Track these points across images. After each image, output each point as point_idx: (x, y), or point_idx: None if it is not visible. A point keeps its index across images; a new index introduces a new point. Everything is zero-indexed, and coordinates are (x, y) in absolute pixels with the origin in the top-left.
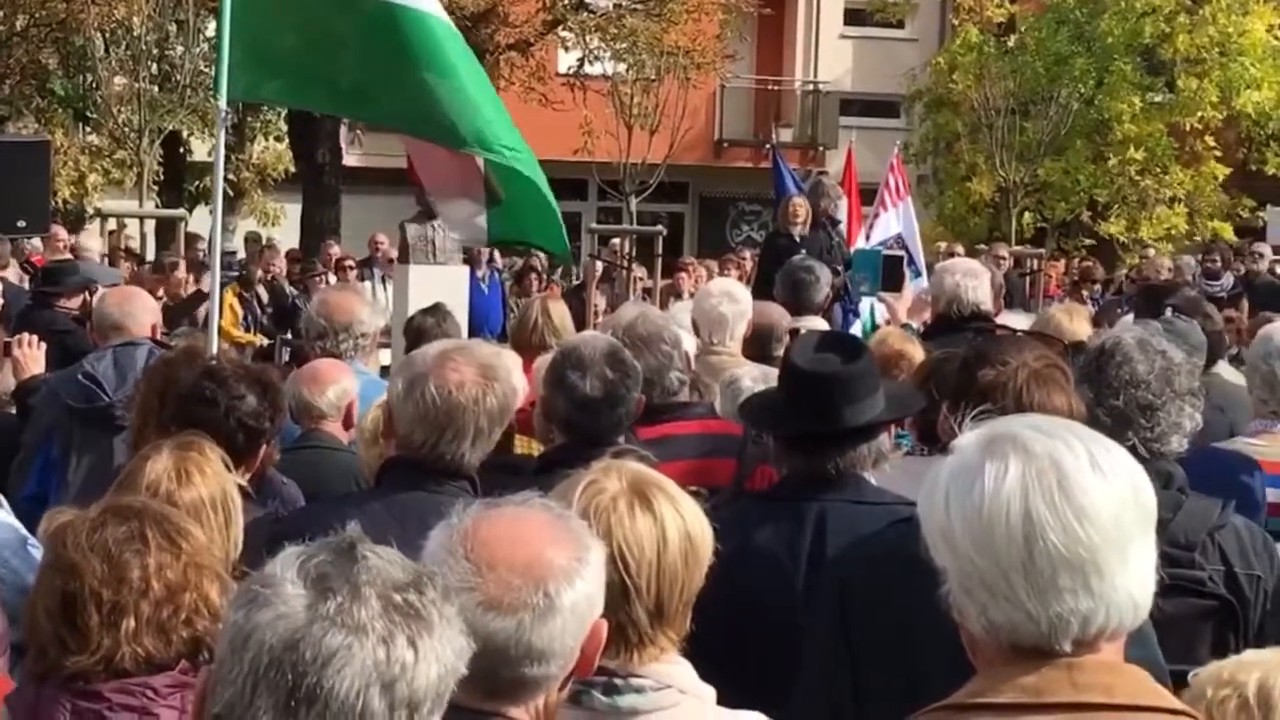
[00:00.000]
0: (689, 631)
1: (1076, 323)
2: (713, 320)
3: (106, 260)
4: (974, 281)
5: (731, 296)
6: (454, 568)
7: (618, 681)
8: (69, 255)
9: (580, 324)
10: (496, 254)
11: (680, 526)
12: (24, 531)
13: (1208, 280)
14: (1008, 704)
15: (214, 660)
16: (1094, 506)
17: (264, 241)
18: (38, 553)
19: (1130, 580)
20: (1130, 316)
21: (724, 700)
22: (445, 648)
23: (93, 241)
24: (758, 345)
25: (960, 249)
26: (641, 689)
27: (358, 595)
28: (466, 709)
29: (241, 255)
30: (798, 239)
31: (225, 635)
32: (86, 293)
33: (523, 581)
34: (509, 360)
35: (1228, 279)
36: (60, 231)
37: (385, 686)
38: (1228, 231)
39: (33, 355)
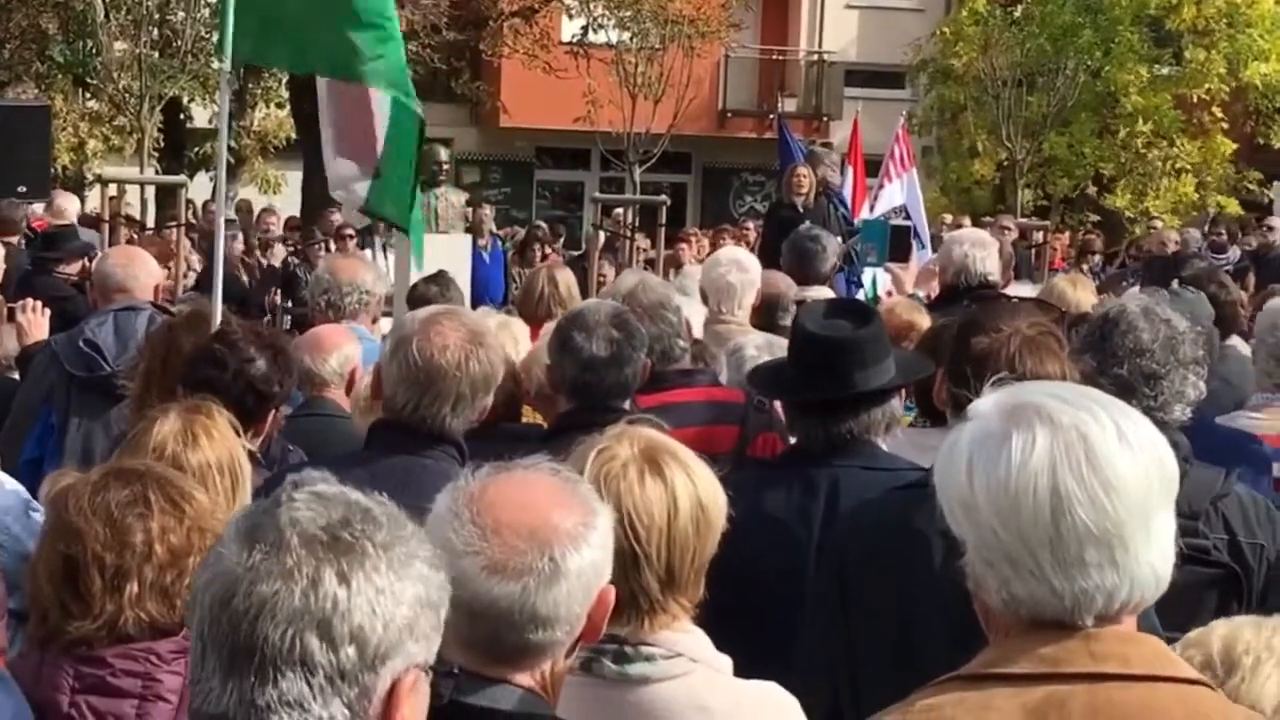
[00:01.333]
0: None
1: (1081, 292)
2: (721, 289)
3: (107, 227)
4: (983, 252)
5: (741, 265)
6: (459, 531)
7: (628, 650)
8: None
9: (583, 293)
10: (494, 223)
11: (692, 493)
12: (26, 495)
13: (1214, 254)
14: (1024, 674)
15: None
16: (1121, 480)
17: (255, 211)
18: (40, 517)
19: (1153, 552)
20: (1136, 289)
21: (735, 666)
22: (389, 578)
23: (71, 204)
24: (765, 314)
25: (967, 220)
26: (652, 657)
27: (281, 540)
28: (470, 674)
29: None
30: (801, 209)
31: (189, 605)
32: (86, 259)
33: (528, 546)
34: (517, 329)
35: (1234, 252)
36: (63, 199)
37: (320, 626)
38: (1233, 206)
39: (37, 321)
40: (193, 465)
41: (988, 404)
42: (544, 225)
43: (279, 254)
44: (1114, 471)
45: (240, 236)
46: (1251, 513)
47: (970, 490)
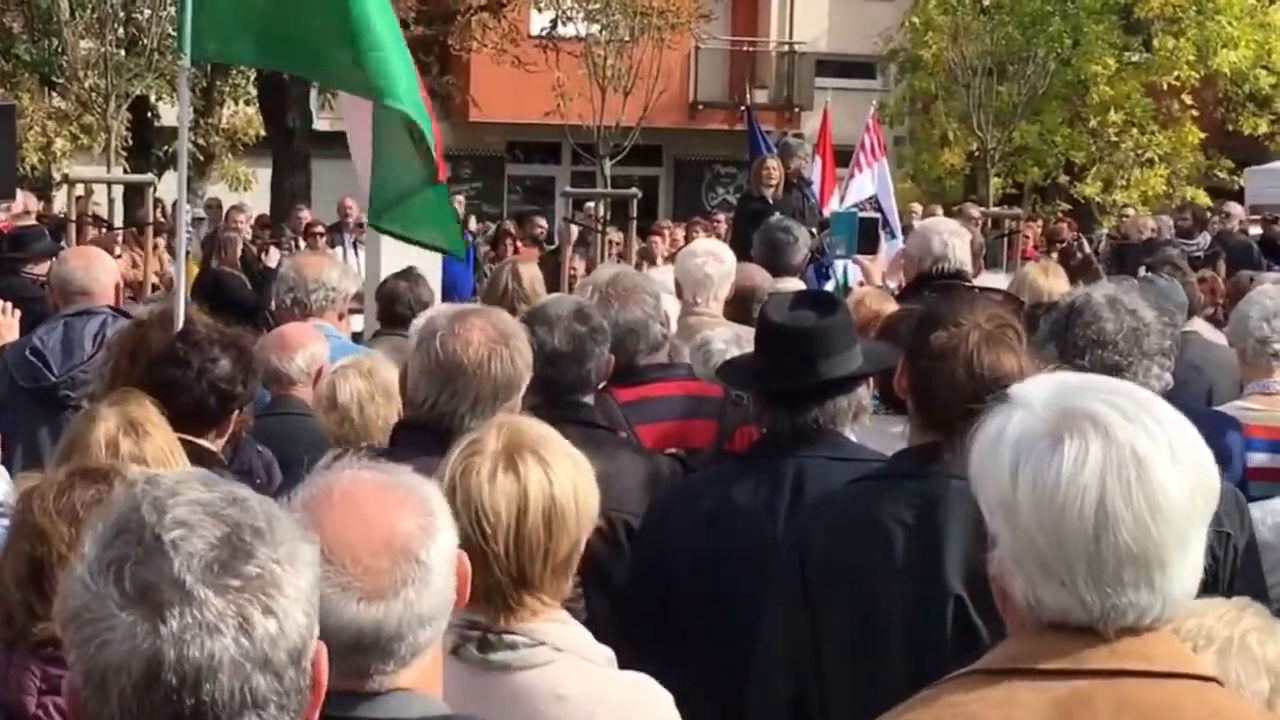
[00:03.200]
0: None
1: (1052, 280)
2: (697, 280)
3: (74, 227)
4: (959, 241)
5: (717, 257)
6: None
7: (491, 637)
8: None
9: (555, 288)
10: (473, 218)
11: (545, 491)
12: None
13: (1183, 239)
14: (1048, 669)
15: (73, 682)
16: (1169, 503)
17: (225, 208)
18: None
19: (1186, 571)
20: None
21: (696, 661)
22: (296, 583)
23: (30, 203)
24: (740, 307)
25: (939, 210)
26: (514, 645)
27: (190, 597)
28: (361, 693)
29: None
30: (771, 201)
31: (78, 673)
32: (54, 259)
33: (391, 561)
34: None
35: (1203, 238)
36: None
37: (263, 665)
38: (1202, 198)
39: (7, 322)
40: (150, 456)
41: (1037, 396)
42: (543, 223)
43: (274, 257)
44: (1164, 494)
45: (237, 240)
46: (1219, 500)
47: (1013, 491)
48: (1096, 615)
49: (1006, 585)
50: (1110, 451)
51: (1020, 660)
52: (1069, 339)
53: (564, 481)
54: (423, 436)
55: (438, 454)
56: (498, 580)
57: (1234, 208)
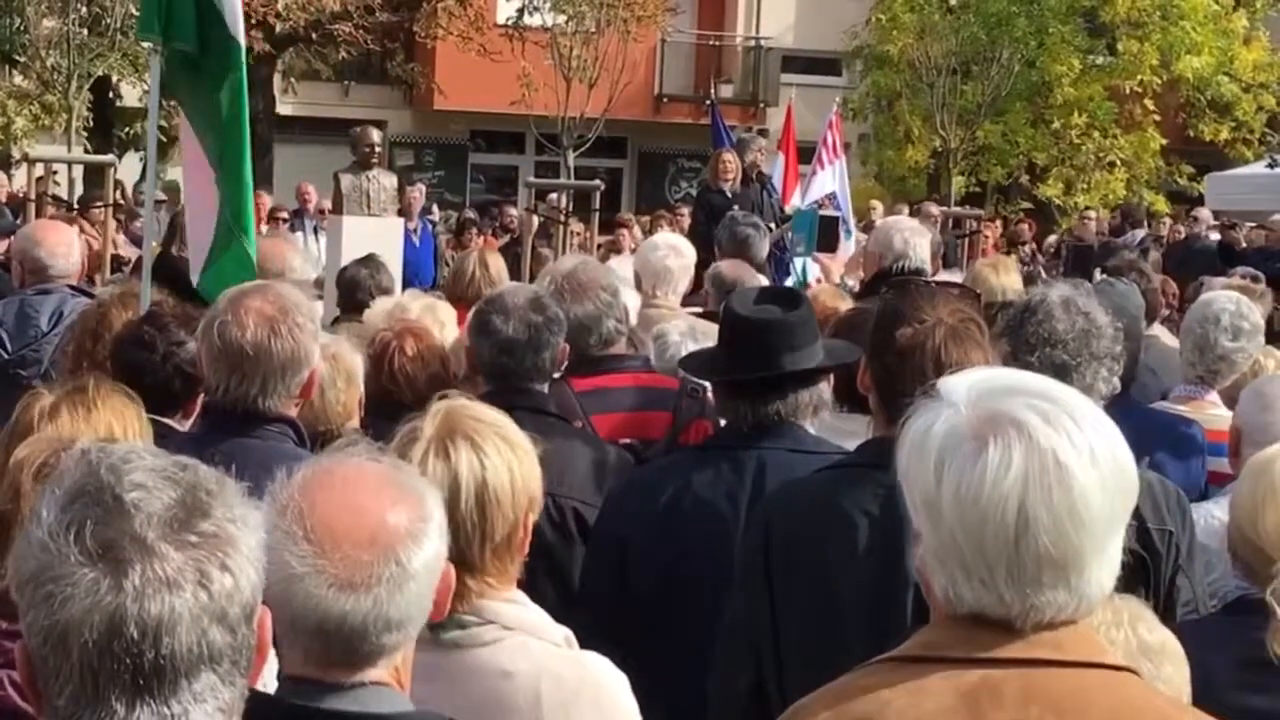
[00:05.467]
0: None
1: (1004, 276)
2: (657, 273)
3: (33, 206)
4: (920, 239)
5: (677, 250)
6: (295, 551)
7: None
8: None
9: (515, 278)
10: (435, 206)
11: (478, 475)
12: None
13: (1111, 237)
14: (959, 658)
15: (27, 646)
16: (1088, 508)
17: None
18: None
19: (1103, 570)
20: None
21: (657, 648)
22: (249, 542)
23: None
24: (721, 301)
25: (905, 208)
26: (464, 624)
27: (151, 552)
28: (326, 683)
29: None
30: (729, 194)
31: (35, 634)
32: (12, 237)
33: (372, 555)
34: (443, 312)
35: (1131, 236)
36: None
37: (219, 619)
38: (1161, 203)
39: None
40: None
41: (964, 395)
42: (513, 213)
43: None
44: (1083, 502)
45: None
46: (1162, 500)
47: (936, 491)
48: (1015, 613)
49: (928, 579)
50: (1032, 459)
51: (933, 649)
52: (1021, 336)
53: (496, 464)
54: (223, 418)
55: (240, 433)
56: None
57: (1202, 213)
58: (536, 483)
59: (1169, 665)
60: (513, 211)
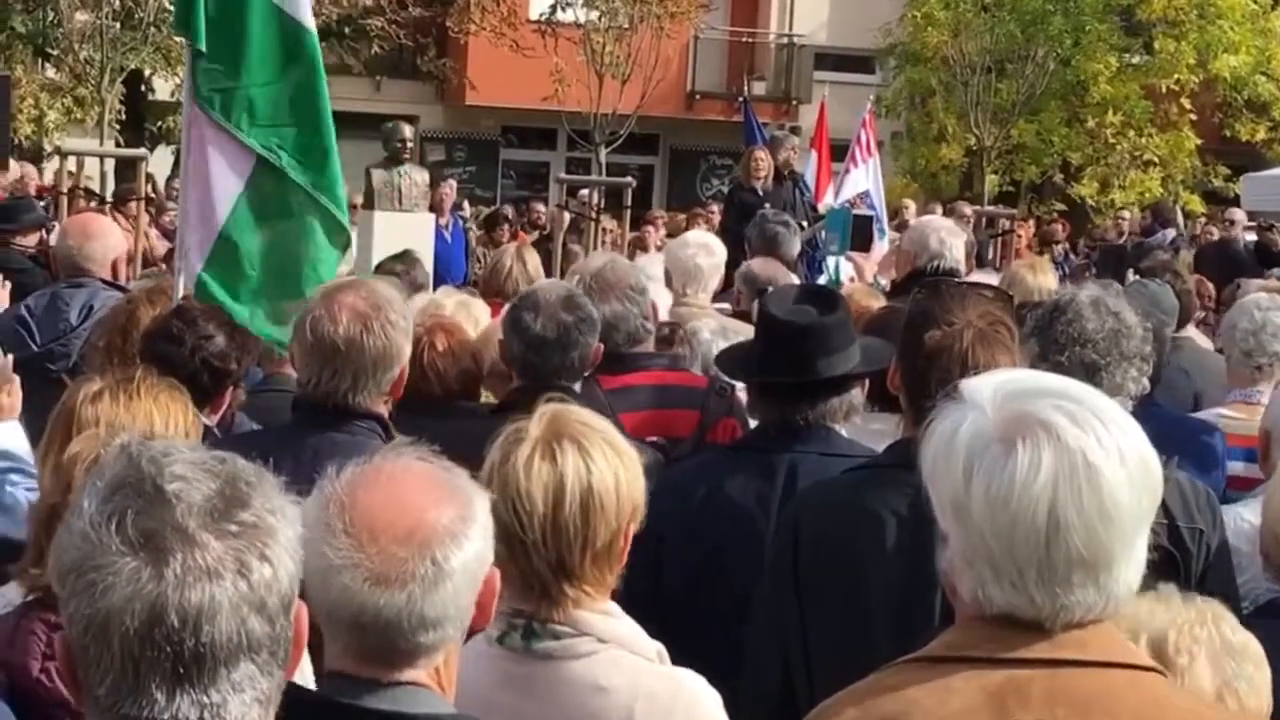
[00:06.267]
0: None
1: (1041, 277)
2: (687, 271)
3: (65, 199)
4: (956, 240)
5: (708, 249)
6: (333, 544)
7: (536, 626)
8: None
9: (547, 274)
10: (466, 203)
11: (583, 479)
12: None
13: (1144, 237)
14: (984, 658)
15: (68, 636)
16: (1118, 508)
17: None
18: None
19: (1131, 569)
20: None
21: (687, 648)
22: (290, 531)
23: (30, 172)
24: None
25: (938, 207)
26: (558, 635)
27: (192, 541)
28: (365, 680)
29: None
30: (761, 192)
31: (77, 623)
32: (44, 230)
33: (408, 552)
34: (477, 309)
35: (1161, 236)
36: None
37: (259, 609)
38: (1196, 203)
39: None
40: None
41: (988, 397)
42: (542, 209)
43: None
44: (1113, 501)
45: None
46: (1191, 499)
47: (965, 493)
48: (1045, 614)
49: (955, 581)
50: (1062, 460)
51: (961, 648)
52: (1050, 335)
53: (603, 469)
54: (313, 412)
55: (330, 428)
56: (537, 569)
57: (1237, 213)
58: (641, 491)
59: (1250, 665)
60: (540, 208)
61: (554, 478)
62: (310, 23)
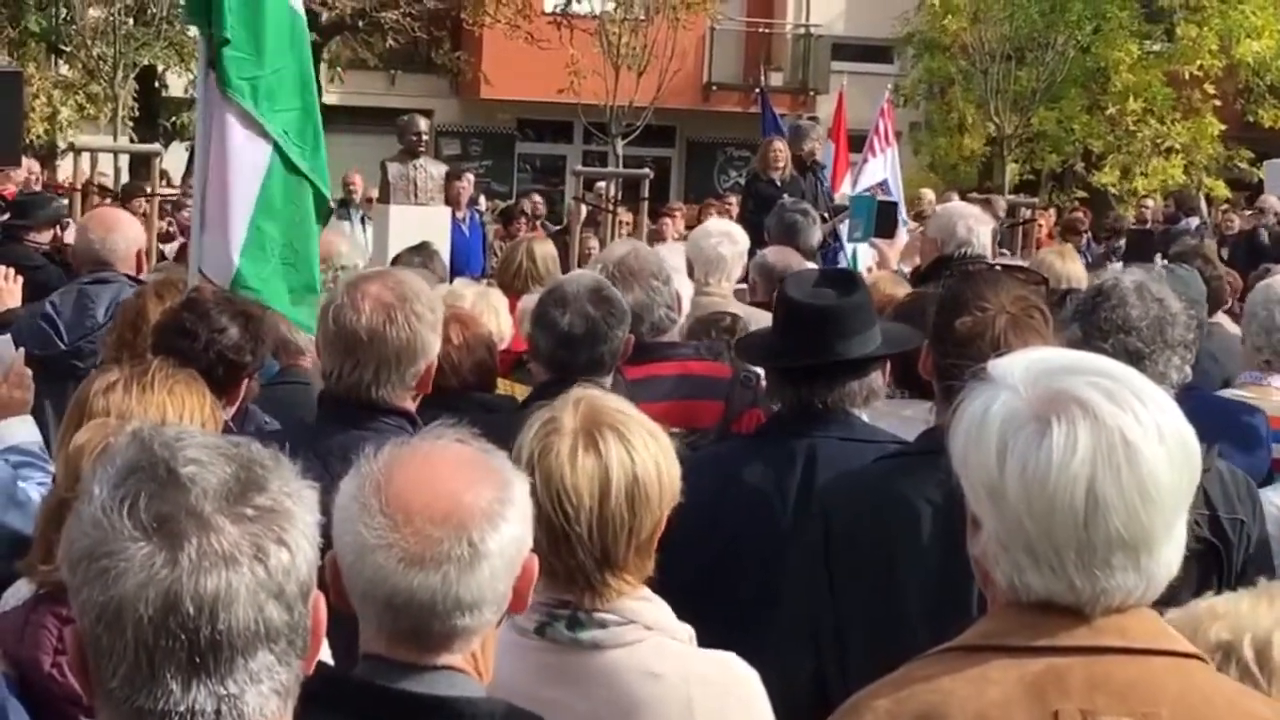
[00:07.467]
0: (661, 565)
1: (1068, 264)
2: (710, 260)
3: (79, 196)
4: (983, 227)
5: (730, 237)
6: (369, 524)
7: (581, 616)
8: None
9: (565, 267)
10: (482, 197)
11: (628, 469)
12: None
13: (1169, 224)
14: (1022, 646)
15: (79, 628)
16: (1158, 487)
17: None
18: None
19: (1171, 550)
20: (1119, 265)
21: (704, 637)
22: (309, 516)
23: (34, 167)
24: (772, 290)
25: (955, 196)
26: (605, 624)
27: (208, 525)
28: (401, 664)
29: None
30: (779, 183)
31: (88, 612)
32: (58, 226)
33: (443, 533)
34: (496, 299)
35: (1187, 223)
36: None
37: (276, 595)
38: (1220, 189)
39: (9, 289)
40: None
41: (1019, 376)
42: (535, 199)
43: None
44: (1153, 480)
45: None
46: (1232, 488)
47: (1000, 476)
48: (1085, 599)
49: (989, 567)
50: (1099, 437)
51: (997, 637)
52: (1094, 321)
53: (645, 459)
54: (337, 408)
55: (357, 425)
56: (581, 562)
57: (1268, 201)
58: (678, 476)
59: None
60: (538, 199)
61: (599, 470)
62: (299, 5)
